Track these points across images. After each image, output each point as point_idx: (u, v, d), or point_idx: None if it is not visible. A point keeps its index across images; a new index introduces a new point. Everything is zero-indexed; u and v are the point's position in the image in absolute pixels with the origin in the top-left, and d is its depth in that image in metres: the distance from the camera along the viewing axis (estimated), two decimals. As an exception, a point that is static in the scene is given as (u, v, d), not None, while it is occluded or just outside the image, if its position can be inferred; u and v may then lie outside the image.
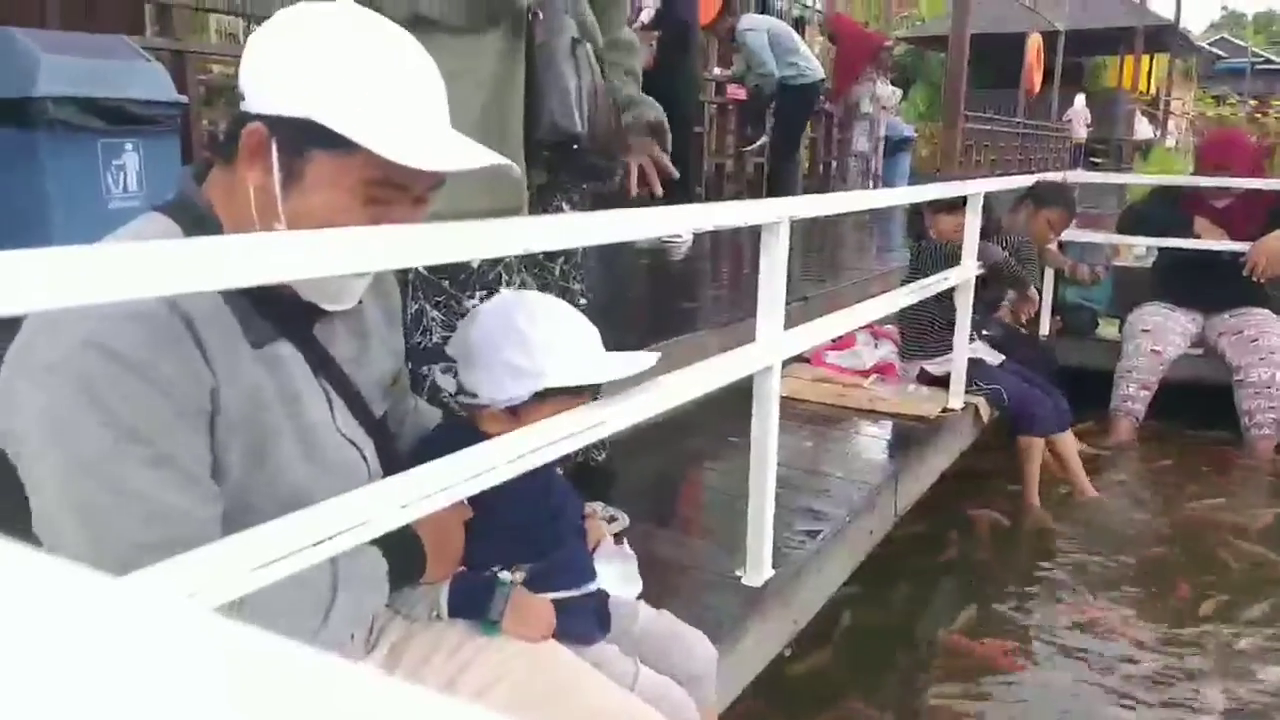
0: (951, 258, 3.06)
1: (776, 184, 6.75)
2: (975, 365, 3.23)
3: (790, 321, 1.80)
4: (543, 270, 1.85)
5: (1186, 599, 2.75)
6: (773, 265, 1.69)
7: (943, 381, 3.21)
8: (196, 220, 0.97)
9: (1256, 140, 6.21)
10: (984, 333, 3.49)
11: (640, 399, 1.31)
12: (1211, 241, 3.95)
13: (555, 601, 1.23)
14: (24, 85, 2.62)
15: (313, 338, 1.05)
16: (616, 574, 1.51)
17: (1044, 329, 4.35)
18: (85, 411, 0.84)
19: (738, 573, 1.87)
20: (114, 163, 2.84)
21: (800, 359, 3.37)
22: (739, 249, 5.23)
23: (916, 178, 9.00)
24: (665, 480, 2.53)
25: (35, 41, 2.69)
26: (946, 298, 3.02)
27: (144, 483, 0.86)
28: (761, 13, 8.50)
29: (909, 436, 2.91)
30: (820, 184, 8.63)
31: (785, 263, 1.70)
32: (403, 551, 1.08)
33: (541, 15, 1.61)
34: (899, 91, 8.91)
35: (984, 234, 3.10)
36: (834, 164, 8.92)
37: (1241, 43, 35.87)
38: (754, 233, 1.71)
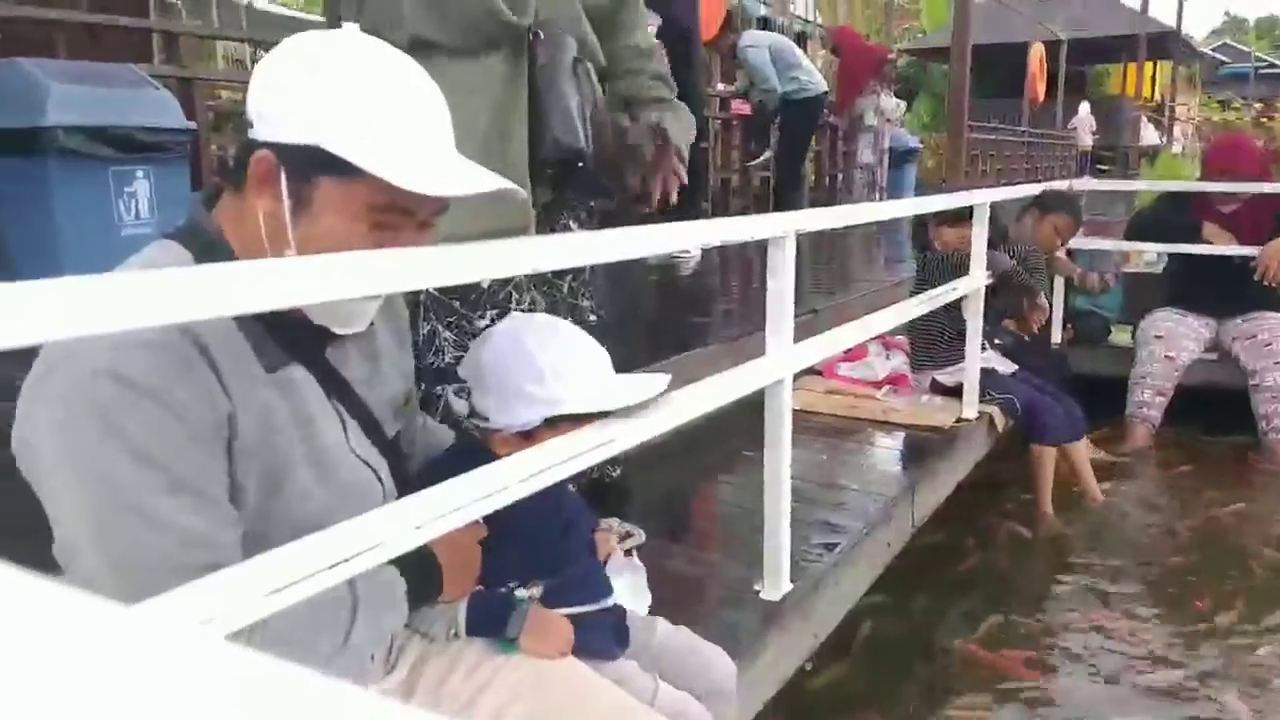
0: (958, 268, 3.05)
1: (782, 198, 6.77)
2: (987, 375, 3.21)
3: (800, 334, 1.79)
4: (552, 288, 1.85)
5: (1207, 606, 2.72)
6: (781, 279, 1.69)
7: (955, 392, 3.20)
8: (207, 246, 0.97)
9: (1263, 144, 6.18)
10: (996, 341, 3.47)
11: (651, 416, 1.31)
12: (1221, 246, 3.93)
13: (572, 617, 1.23)
14: (33, 115, 2.65)
15: (325, 361, 1.05)
16: (626, 586, 1.51)
17: (1055, 337, 4.32)
18: (101, 439, 0.84)
19: (756, 587, 1.85)
20: (125, 190, 2.86)
21: (813, 371, 3.36)
22: (747, 263, 5.22)
23: (922, 188, 8.99)
24: (680, 495, 2.52)
25: (44, 71, 2.72)
26: (955, 308, 3.01)
27: (163, 509, 0.86)
28: (763, 29, 8.55)
29: (924, 447, 2.89)
30: (826, 197, 8.62)
31: (793, 276, 1.70)
32: (420, 571, 1.08)
33: (543, 36, 1.62)
34: (903, 103, 8.94)
35: (991, 243, 3.09)
36: (839, 176, 8.93)
37: (1244, 48, 35.80)
38: (762, 246, 1.71)
